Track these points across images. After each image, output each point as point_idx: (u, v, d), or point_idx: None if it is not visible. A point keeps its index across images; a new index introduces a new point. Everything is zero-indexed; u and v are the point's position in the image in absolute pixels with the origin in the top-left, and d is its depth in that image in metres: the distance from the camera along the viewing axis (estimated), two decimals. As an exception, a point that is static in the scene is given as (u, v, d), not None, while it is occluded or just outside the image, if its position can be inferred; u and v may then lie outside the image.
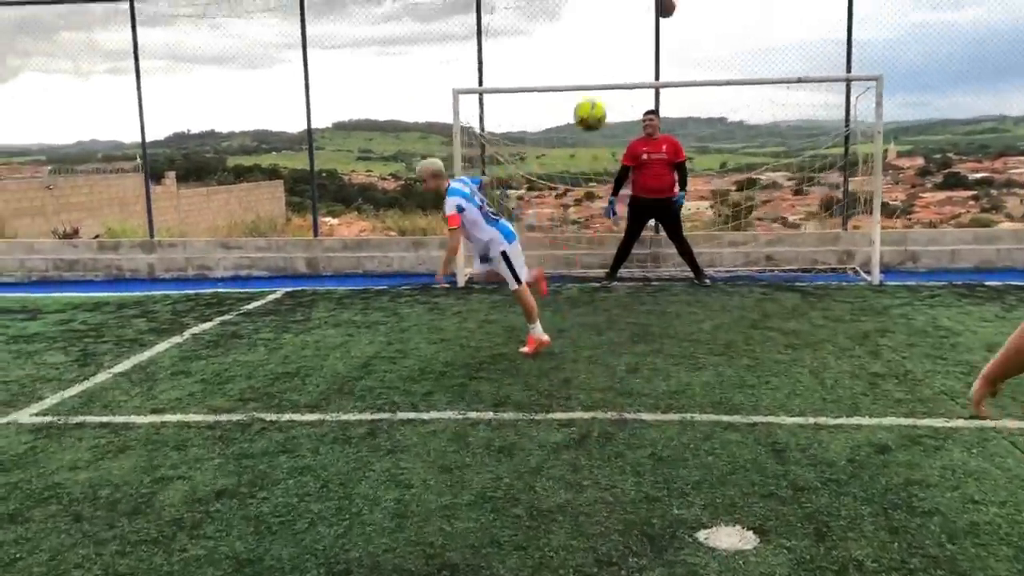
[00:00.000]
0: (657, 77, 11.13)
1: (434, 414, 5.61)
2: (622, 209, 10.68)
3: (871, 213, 10.30)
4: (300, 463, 4.79)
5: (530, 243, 11.82)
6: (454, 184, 6.95)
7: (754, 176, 12.83)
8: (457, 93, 10.55)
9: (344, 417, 5.60)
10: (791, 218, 19.72)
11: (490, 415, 5.54)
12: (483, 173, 11.64)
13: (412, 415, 5.60)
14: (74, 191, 22.79)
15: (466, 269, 11.04)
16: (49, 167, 27.57)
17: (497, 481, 4.46)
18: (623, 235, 10.65)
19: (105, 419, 5.72)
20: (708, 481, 4.40)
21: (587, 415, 5.48)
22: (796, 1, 11.40)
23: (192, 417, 5.70)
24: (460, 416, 5.54)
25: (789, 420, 5.33)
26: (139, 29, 11.89)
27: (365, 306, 9.59)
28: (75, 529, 4.04)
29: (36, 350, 7.80)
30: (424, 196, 12.49)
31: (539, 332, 7.10)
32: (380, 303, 9.76)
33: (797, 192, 20.08)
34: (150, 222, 12.39)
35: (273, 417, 5.64)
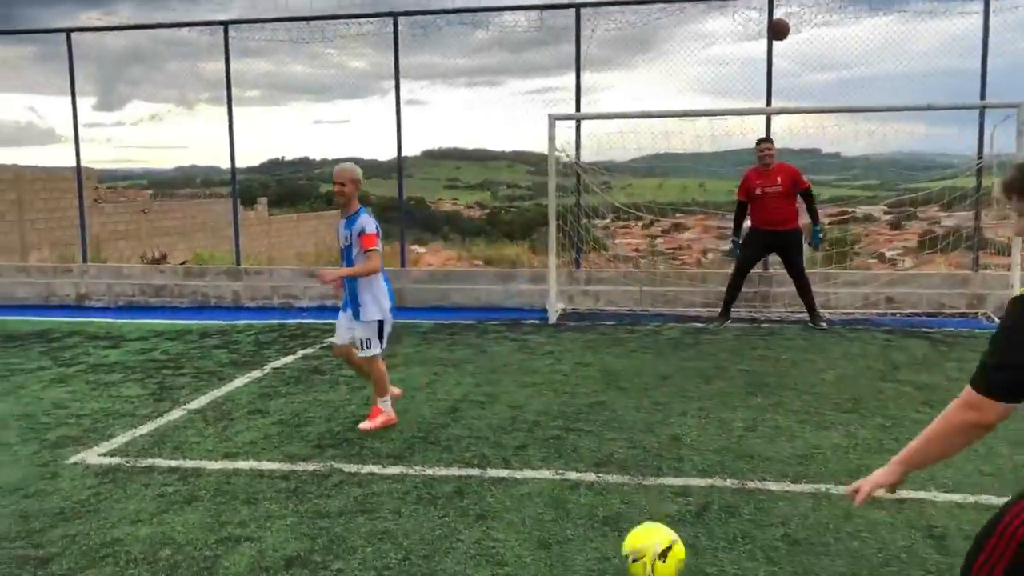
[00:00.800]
0: (769, 103, 10.41)
1: (528, 472, 5.01)
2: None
3: (1000, 253, 9.34)
4: (380, 526, 4.25)
5: (617, 278, 11.17)
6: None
7: (849, 209, 11.97)
8: (553, 119, 10.04)
9: (429, 472, 5.05)
10: (888, 253, 18.68)
11: (592, 476, 4.92)
12: (577, 204, 11.08)
13: (504, 472, 5.02)
14: (168, 215, 23.10)
15: (558, 304, 10.47)
16: (150, 191, 28.24)
17: (604, 563, 3.83)
18: (733, 269, 9.85)
19: (175, 463, 5.31)
20: (858, 575, 3.69)
21: (703, 482, 4.81)
22: (899, 30, 10.52)
23: (266, 465, 5.24)
24: (558, 476, 4.93)
25: (943, 497, 4.56)
26: (240, 60, 11.87)
27: (451, 342, 9.09)
28: (127, 600, 3.58)
29: (113, 381, 7.52)
30: (511, 224, 12.00)
31: (389, 408, 6.06)
32: (467, 339, 9.24)
33: (894, 227, 18.97)
34: (237, 249, 12.20)
35: (352, 468, 5.13)
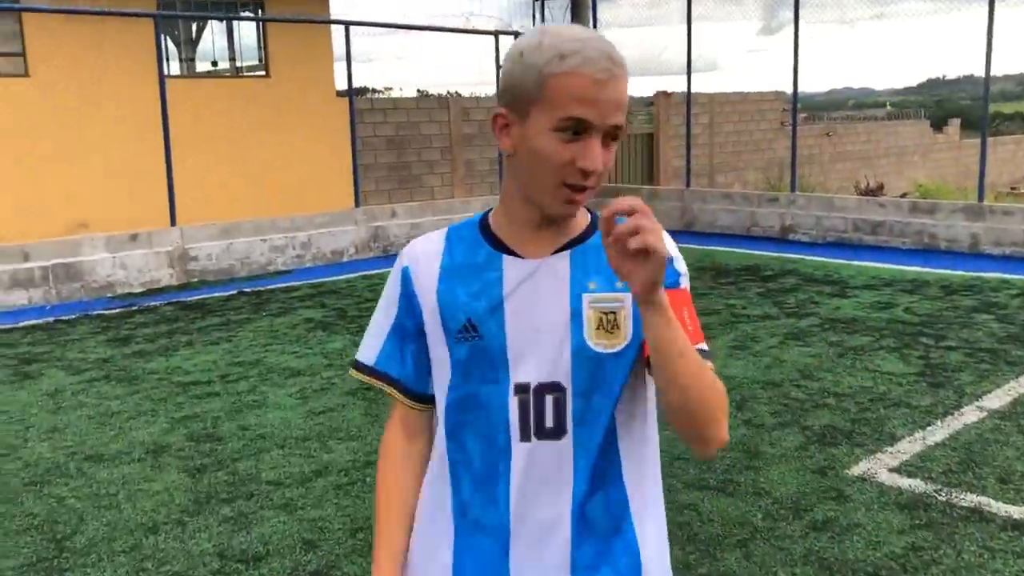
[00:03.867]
0: None
1: None
2: None
3: None
4: None
5: None
6: None
7: None
8: None
9: None
10: None
11: None
12: None
13: None
14: (850, 139, 21.27)
15: None
16: (802, 115, 26.85)
17: None
18: None
19: (1017, 511, 3.52)
20: None
21: None
22: None
23: None
24: None
25: None
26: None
27: None
28: None
29: (860, 346, 6.02)
30: None
31: None
32: None
33: None
34: (981, 184, 9.71)
35: None
